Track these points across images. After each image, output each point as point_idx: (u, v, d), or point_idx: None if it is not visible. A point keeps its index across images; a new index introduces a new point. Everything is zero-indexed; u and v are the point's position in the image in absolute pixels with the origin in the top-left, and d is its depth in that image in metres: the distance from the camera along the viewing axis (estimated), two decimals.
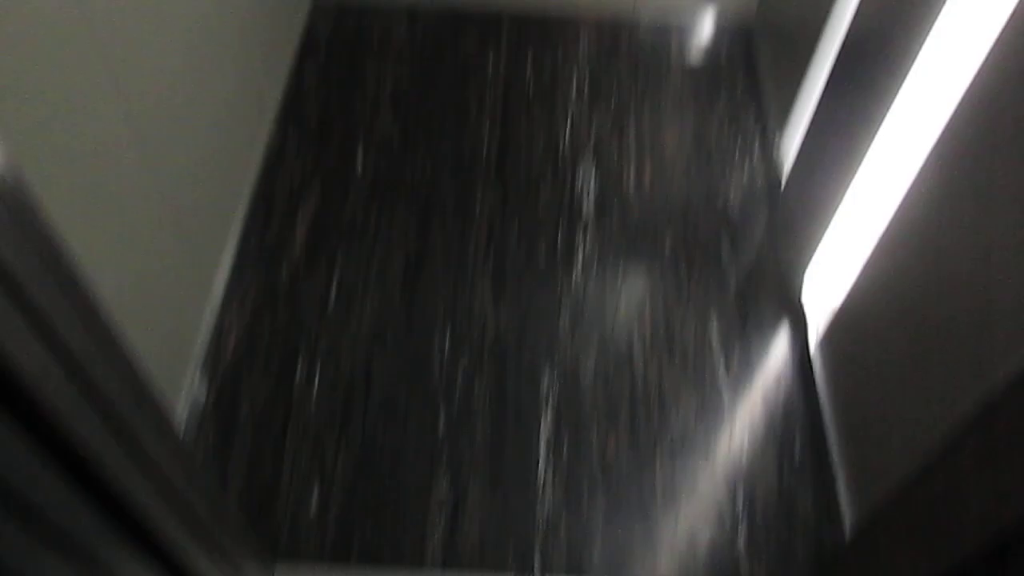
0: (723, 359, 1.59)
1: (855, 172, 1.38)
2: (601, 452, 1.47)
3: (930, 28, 1.16)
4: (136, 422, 0.76)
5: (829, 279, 1.55)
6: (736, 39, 2.14)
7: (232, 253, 1.67)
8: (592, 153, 1.89)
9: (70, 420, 0.63)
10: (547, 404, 1.52)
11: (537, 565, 1.36)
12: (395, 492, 1.42)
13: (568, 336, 1.61)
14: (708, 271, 1.71)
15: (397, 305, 1.64)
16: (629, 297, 1.66)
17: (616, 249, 1.73)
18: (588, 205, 1.80)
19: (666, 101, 2.01)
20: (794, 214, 1.64)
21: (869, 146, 1.33)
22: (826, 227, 1.51)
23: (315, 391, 1.52)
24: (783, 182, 1.77)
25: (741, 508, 1.41)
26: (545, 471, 1.45)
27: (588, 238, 1.75)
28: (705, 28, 2.17)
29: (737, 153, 1.91)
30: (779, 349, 1.60)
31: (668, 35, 2.15)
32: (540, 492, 1.42)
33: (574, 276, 1.69)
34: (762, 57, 2.04)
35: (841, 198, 1.44)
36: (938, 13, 1.14)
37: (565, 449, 1.47)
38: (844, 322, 1.46)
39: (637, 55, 2.10)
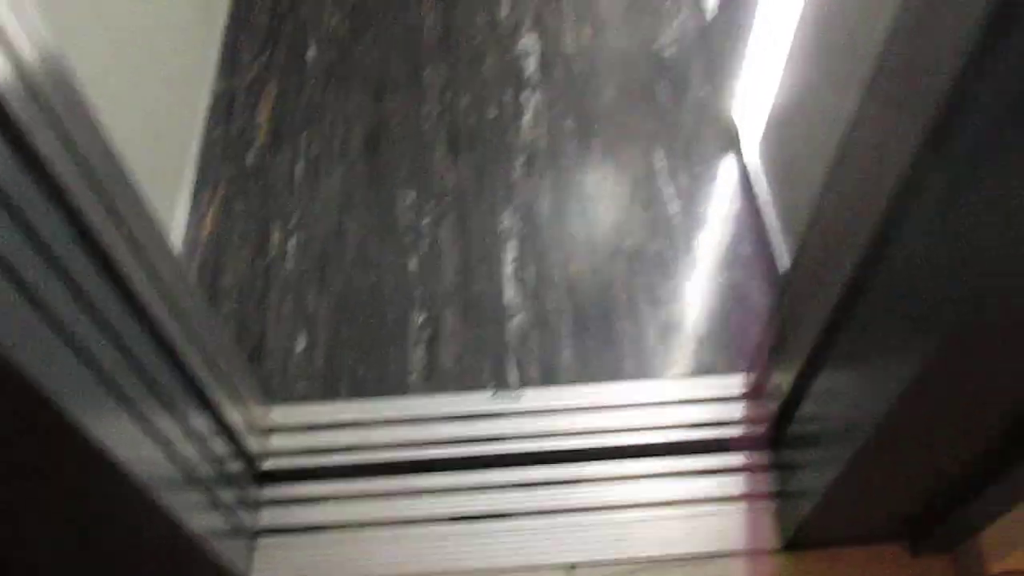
0: (670, 181, 1.69)
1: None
2: (564, 273, 1.57)
3: None
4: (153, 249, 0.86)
5: (757, 96, 1.65)
6: None
7: (199, 145, 1.77)
8: (532, 20, 1.99)
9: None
10: (509, 238, 1.62)
11: (514, 379, 1.47)
12: (375, 330, 1.53)
13: (523, 180, 1.71)
14: (648, 110, 1.81)
15: (360, 173, 1.74)
16: (578, 141, 1.76)
17: (562, 102, 1.83)
18: (532, 67, 1.90)
19: None
20: (722, 45, 1.74)
21: None
22: (747, 51, 1.61)
23: (292, 254, 1.62)
24: (708, 19, 1.87)
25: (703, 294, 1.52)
26: (513, 295, 1.55)
27: (535, 96, 1.84)
28: None
29: (669, 4, 2.00)
30: (719, 166, 1.71)
31: None
32: (510, 314, 1.53)
33: (523, 129, 1.79)
34: None
35: (758, 22, 1.54)
36: None
37: (529, 275, 1.57)
38: (773, 129, 1.56)
39: None
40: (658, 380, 1.43)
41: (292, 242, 1.64)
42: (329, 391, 1.47)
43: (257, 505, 1.31)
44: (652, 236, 1.61)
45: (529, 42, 1.95)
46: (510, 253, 1.60)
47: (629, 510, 1.28)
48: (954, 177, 0.66)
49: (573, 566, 1.24)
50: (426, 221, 1.65)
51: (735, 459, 1.32)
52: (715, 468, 1.31)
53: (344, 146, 1.78)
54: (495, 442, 1.36)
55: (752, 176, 1.66)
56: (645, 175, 1.70)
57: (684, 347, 1.48)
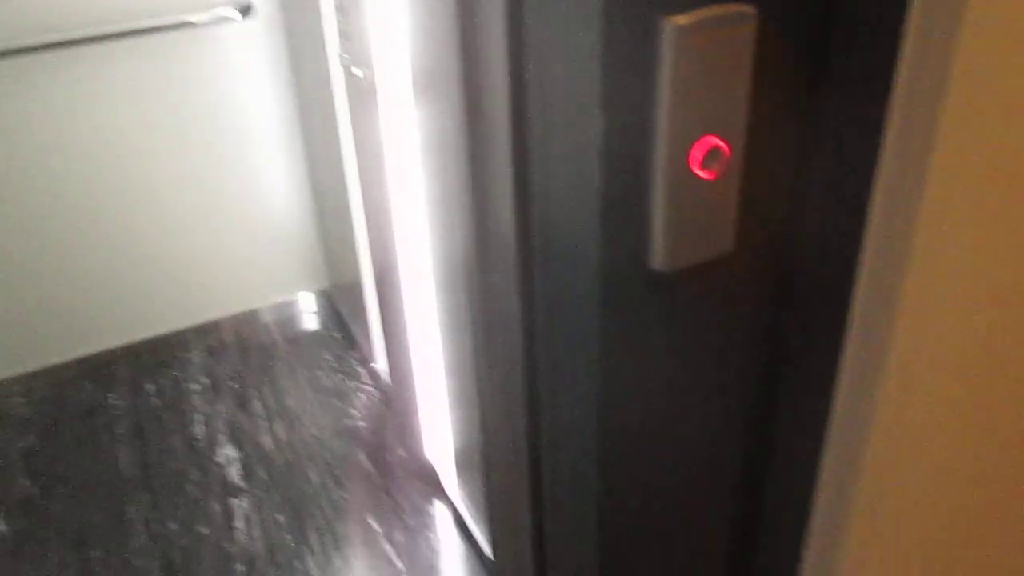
0: (387, 541, 1.80)
1: (433, 357, 1.76)
2: None
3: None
4: None
5: (442, 437, 1.88)
6: (324, 303, 2.56)
7: None
8: (227, 430, 2.11)
9: None
10: None
11: None
12: None
13: None
14: (354, 482, 1.96)
15: None
16: (292, 533, 1.84)
17: (269, 500, 1.92)
18: (235, 474, 1.99)
19: (280, 372, 2.32)
20: (404, 402, 1.98)
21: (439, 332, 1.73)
22: (422, 400, 1.86)
23: None
24: (388, 388, 2.13)
25: None
26: None
27: (243, 501, 1.92)
28: (299, 304, 2.57)
29: (349, 382, 2.25)
30: (430, 511, 1.86)
31: (267, 321, 2.51)
32: None
33: (236, 537, 1.84)
34: (343, 309, 2.47)
35: (419, 372, 1.81)
36: None
37: None
38: (462, 461, 1.78)
39: (245, 346, 2.42)
40: None
41: None
42: None
43: None
44: None
45: (229, 452, 2.06)
46: None
47: None
48: None
49: None
50: None
51: None
52: None
53: None
54: None
55: (460, 509, 1.83)
56: (365, 543, 1.81)
57: None
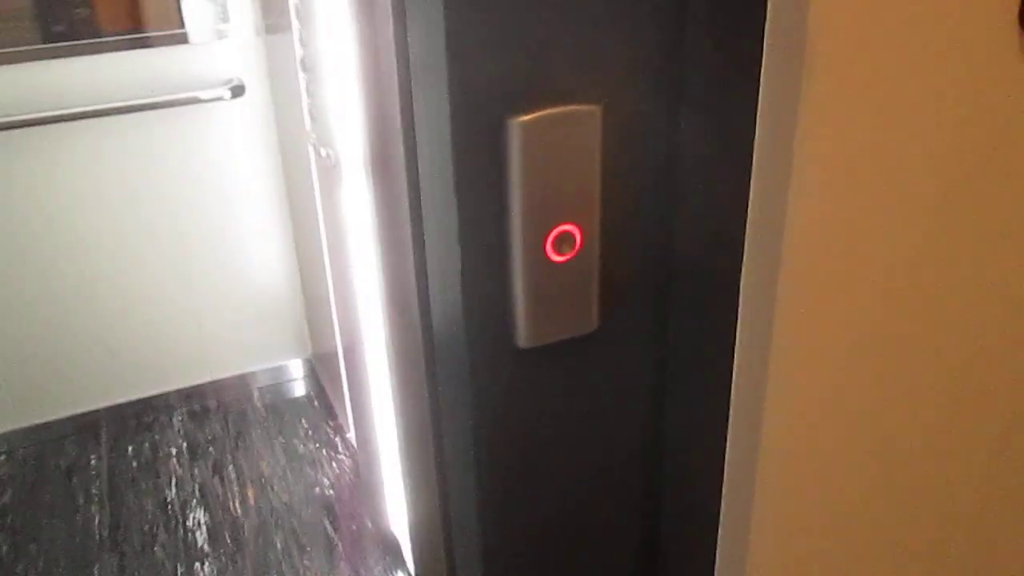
0: None
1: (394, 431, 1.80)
2: None
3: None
4: None
5: (403, 511, 1.90)
6: (307, 371, 2.61)
7: None
8: (199, 494, 2.15)
9: None
10: None
11: None
12: None
13: None
14: (319, 548, 1.97)
15: None
16: None
17: (232, 565, 1.94)
18: (202, 538, 2.02)
19: (258, 438, 2.36)
20: (371, 474, 2.01)
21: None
22: (384, 474, 1.89)
23: None
24: (357, 457, 2.16)
25: None
26: None
27: (207, 565, 1.94)
28: (284, 372, 2.62)
29: (323, 451, 2.28)
30: None
31: (250, 387, 2.56)
32: None
33: None
34: (324, 379, 2.52)
35: (384, 445, 1.84)
36: None
37: None
38: (417, 534, 1.79)
39: (226, 411, 2.47)
40: None
41: None
42: None
43: None
44: None
45: (198, 515, 2.09)
46: None
47: None
48: None
49: None
50: None
51: None
52: None
53: None
54: None
55: None
56: None
57: None
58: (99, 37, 2.08)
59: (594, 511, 0.89)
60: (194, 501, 2.14)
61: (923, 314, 0.72)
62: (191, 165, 2.28)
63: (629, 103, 0.69)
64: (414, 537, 1.76)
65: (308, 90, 1.52)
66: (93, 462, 2.28)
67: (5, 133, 2.07)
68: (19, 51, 2.03)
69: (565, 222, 0.70)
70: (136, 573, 1.93)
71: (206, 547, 2.00)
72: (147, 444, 2.34)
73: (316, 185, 1.83)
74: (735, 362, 0.74)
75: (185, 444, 2.34)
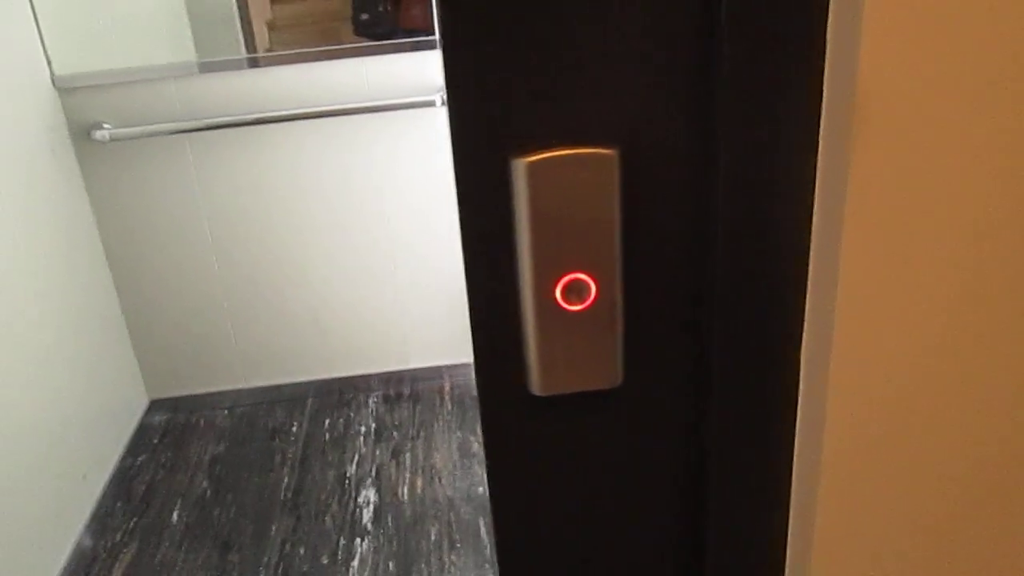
0: None
1: None
2: None
3: None
4: None
5: None
6: None
7: None
8: (374, 475, 2.28)
9: None
10: None
11: None
12: None
13: None
14: (469, 547, 2.02)
15: None
16: None
17: (387, 547, 2.04)
18: (367, 517, 2.14)
19: (438, 430, 2.46)
20: None
21: None
22: None
23: None
24: None
25: None
26: None
27: (365, 543, 2.06)
28: (472, 370, 2.71)
29: None
30: None
31: (443, 379, 2.67)
32: None
33: (351, 573, 1.97)
34: None
35: None
36: None
37: None
38: None
39: (416, 399, 2.60)
40: None
41: None
42: None
43: None
44: None
45: (369, 494, 2.23)
46: None
47: None
48: None
49: None
50: None
51: None
52: None
53: None
54: None
55: None
56: None
57: None
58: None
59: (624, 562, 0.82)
60: (368, 480, 2.27)
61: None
62: (403, 165, 2.42)
63: (653, 144, 0.63)
64: None
65: None
66: (294, 429, 2.51)
67: (261, 127, 2.33)
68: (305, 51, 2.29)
69: (576, 270, 0.65)
70: (306, 537, 2.10)
71: (369, 525, 2.12)
72: (342, 420, 2.53)
73: None
74: (797, 423, 0.65)
75: (374, 425, 2.50)
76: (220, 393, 2.65)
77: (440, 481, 2.26)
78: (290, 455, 2.40)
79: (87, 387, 2.26)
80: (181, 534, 2.13)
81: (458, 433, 2.44)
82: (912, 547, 0.69)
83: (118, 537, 2.13)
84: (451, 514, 2.14)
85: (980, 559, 0.74)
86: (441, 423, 2.49)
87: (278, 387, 2.68)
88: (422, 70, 2.31)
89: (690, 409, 0.73)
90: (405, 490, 2.23)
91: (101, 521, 2.18)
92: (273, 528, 2.13)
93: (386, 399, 2.62)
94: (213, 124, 2.29)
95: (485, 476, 2.26)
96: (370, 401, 2.61)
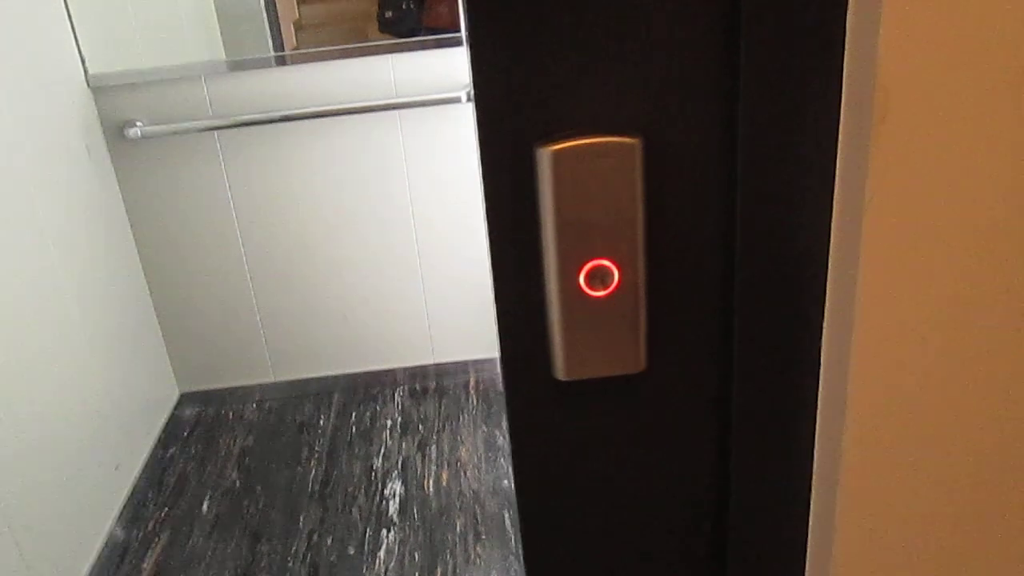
0: None
1: None
2: None
3: None
4: None
5: None
6: None
7: None
8: (400, 468, 2.31)
9: None
10: None
11: None
12: None
13: None
14: (494, 538, 2.04)
15: None
16: (423, 572, 1.97)
17: (413, 538, 2.07)
18: (394, 508, 2.17)
19: (463, 424, 2.48)
20: None
21: None
22: None
23: None
24: None
25: None
26: None
27: (391, 534, 2.09)
28: (497, 364, 2.73)
29: None
30: None
31: (468, 374, 2.69)
32: None
33: (378, 563, 2.00)
34: None
35: None
36: None
37: None
38: None
39: (442, 393, 2.62)
40: None
41: None
42: None
43: None
44: None
45: (396, 486, 2.25)
46: None
47: None
48: None
49: None
50: None
51: None
52: None
53: None
54: None
55: None
56: None
57: None
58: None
59: (647, 564, 0.83)
60: (395, 473, 2.30)
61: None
62: (429, 161, 2.44)
63: (675, 133, 0.64)
64: None
65: None
66: (322, 422, 2.54)
67: (288, 124, 2.36)
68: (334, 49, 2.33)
69: (600, 257, 0.67)
70: (333, 528, 2.13)
71: (395, 517, 2.14)
72: (368, 413, 2.56)
73: None
74: (818, 407, 0.66)
75: (400, 419, 2.53)
76: (249, 387, 2.69)
77: (465, 474, 2.28)
78: (318, 448, 2.43)
79: (121, 381, 2.30)
80: (211, 525, 2.17)
81: (483, 427, 2.46)
82: (934, 541, 0.70)
83: (150, 527, 2.18)
84: (476, 507, 2.16)
85: (1005, 553, 0.74)
86: (466, 417, 2.51)
87: (306, 381, 2.72)
88: (447, 67, 2.33)
89: (713, 394, 0.74)
90: (431, 483, 2.26)
91: (133, 511, 2.23)
92: (301, 519, 2.16)
93: (412, 393, 2.64)
94: (242, 121, 2.33)
95: (510, 469, 2.28)
96: (396, 395, 2.64)
